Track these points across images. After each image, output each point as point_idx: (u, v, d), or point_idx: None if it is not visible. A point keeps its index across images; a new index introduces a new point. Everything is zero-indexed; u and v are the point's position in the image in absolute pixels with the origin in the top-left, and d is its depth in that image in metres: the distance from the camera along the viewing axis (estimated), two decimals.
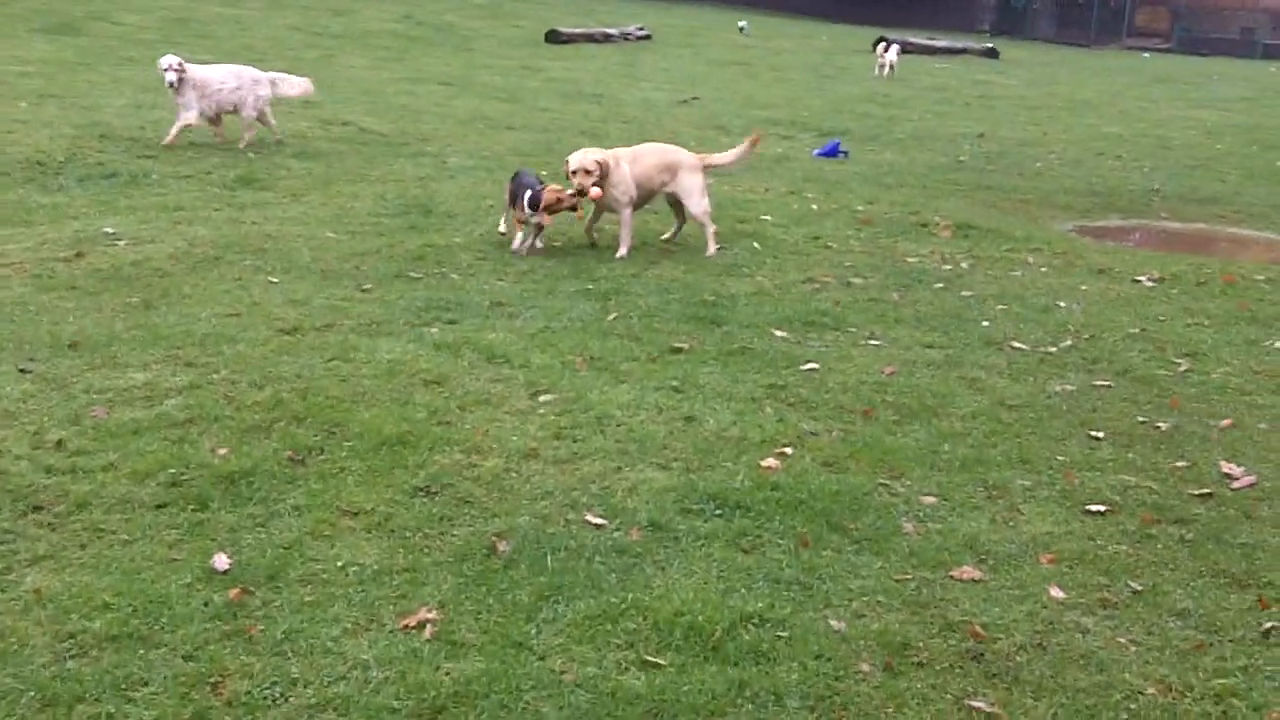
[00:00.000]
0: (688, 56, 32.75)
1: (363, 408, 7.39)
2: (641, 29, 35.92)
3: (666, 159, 12.24)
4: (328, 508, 6.23)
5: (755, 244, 12.41)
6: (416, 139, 17.62)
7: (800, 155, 19.10)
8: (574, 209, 11.45)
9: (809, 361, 8.82)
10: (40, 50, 22.55)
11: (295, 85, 16.62)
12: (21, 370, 7.73)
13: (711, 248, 12.23)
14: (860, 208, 14.63)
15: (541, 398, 7.72)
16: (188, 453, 6.71)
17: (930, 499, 6.76)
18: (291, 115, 18.31)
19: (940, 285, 11.34)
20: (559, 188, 11.33)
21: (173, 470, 6.52)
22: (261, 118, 16.25)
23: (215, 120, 16.00)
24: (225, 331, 8.68)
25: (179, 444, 6.82)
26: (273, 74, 16.29)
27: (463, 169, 15.65)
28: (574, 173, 11.47)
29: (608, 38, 34.09)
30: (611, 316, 9.62)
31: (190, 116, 15.64)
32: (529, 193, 11.17)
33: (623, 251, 11.80)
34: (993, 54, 39.53)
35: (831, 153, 19.14)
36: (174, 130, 15.82)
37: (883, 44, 32.94)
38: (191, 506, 6.20)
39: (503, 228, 11.79)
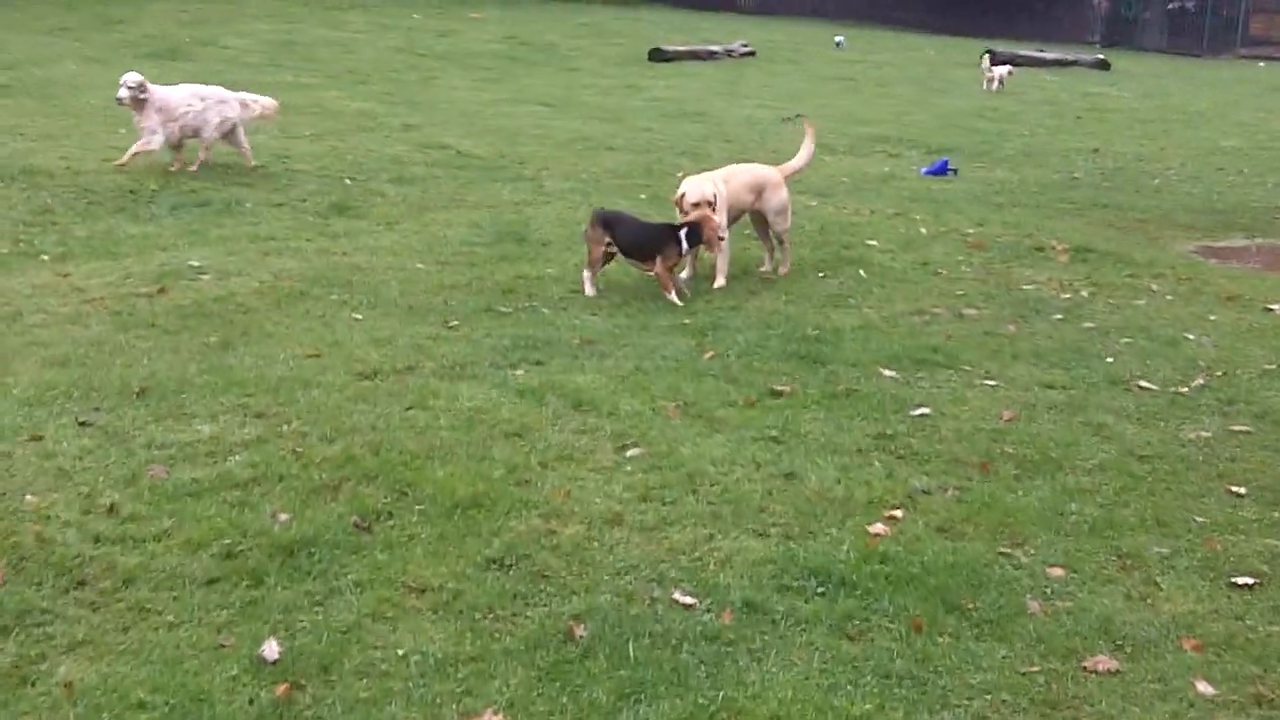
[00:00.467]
0: (791, 73, 32.01)
1: (437, 464, 6.75)
2: (745, 45, 35.21)
3: (756, 177, 11.63)
4: (392, 584, 5.62)
5: (861, 271, 11.68)
6: (514, 162, 17.05)
7: (907, 174, 18.34)
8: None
9: (920, 405, 8.08)
10: (145, 75, 22.15)
11: (261, 106, 15.40)
12: (82, 423, 7.19)
13: (786, 266, 11.70)
14: (971, 230, 13.85)
15: (629, 452, 7.05)
16: (247, 519, 6.11)
17: (1057, 571, 6.03)
18: (389, 139, 17.87)
19: (1059, 316, 10.55)
20: (711, 217, 10.68)
21: (229, 539, 5.93)
22: (233, 140, 15.15)
23: (177, 146, 14.89)
24: (302, 375, 8.09)
25: (239, 508, 6.24)
26: (243, 94, 15.22)
27: (559, 193, 15.05)
28: (695, 205, 10.77)
29: (711, 55, 33.41)
30: (708, 355, 8.95)
31: (154, 141, 14.54)
32: (685, 229, 10.46)
33: (720, 281, 11.14)
34: (1104, 65, 38.41)
35: (940, 171, 18.35)
36: (129, 152, 14.67)
37: (989, 57, 31.96)
38: (245, 582, 5.60)
39: (590, 289, 10.69)
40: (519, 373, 8.41)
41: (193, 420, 7.34)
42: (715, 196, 10.83)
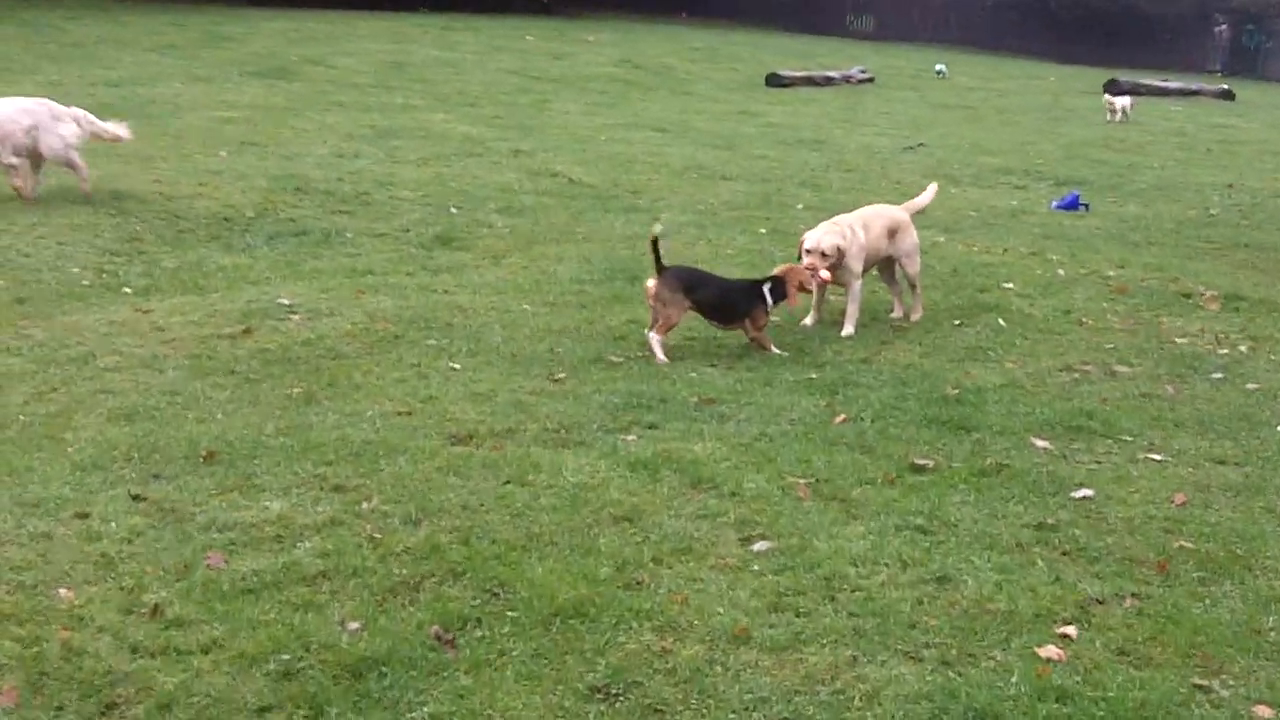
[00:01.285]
0: (911, 100, 30.79)
1: (535, 558, 5.73)
2: (863, 71, 34.05)
3: (892, 220, 10.69)
4: (476, 718, 4.52)
5: (1000, 320, 10.55)
6: (627, 191, 16.04)
7: (1037, 208, 17.14)
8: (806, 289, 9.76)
9: (1081, 486, 6.97)
10: (250, 95, 21.50)
11: (108, 130, 13.52)
12: (135, 497, 6.23)
13: (919, 311, 10.73)
14: (1112, 273, 12.66)
15: (756, 545, 6.00)
16: (311, 626, 5.11)
17: (1265, 711, 4.88)
18: (498, 166, 16.91)
19: (1219, 375, 9.37)
20: (799, 268, 9.79)
21: (288, 653, 4.95)
22: (69, 162, 13.21)
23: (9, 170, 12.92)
24: (389, 439, 7.12)
25: (303, 611, 5.26)
26: (75, 110, 13.21)
27: (675, 226, 13.97)
28: (809, 251, 9.84)
29: (829, 81, 32.29)
30: (839, 419, 7.87)
31: None
32: (769, 284, 9.52)
33: (849, 329, 10.06)
34: (1228, 95, 36.80)
35: (1071, 205, 17.15)
36: None
37: (1113, 87, 30.56)
38: (302, 712, 4.56)
39: (662, 355, 9.34)
40: (630, 438, 7.38)
41: (261, 494, 6.38)
42: (837, 249, 9.92)
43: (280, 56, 26.94)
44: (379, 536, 5.93)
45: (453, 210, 14.25)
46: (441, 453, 7.01)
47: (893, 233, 10.43)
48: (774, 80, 31.37)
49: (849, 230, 10.00)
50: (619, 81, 29.38)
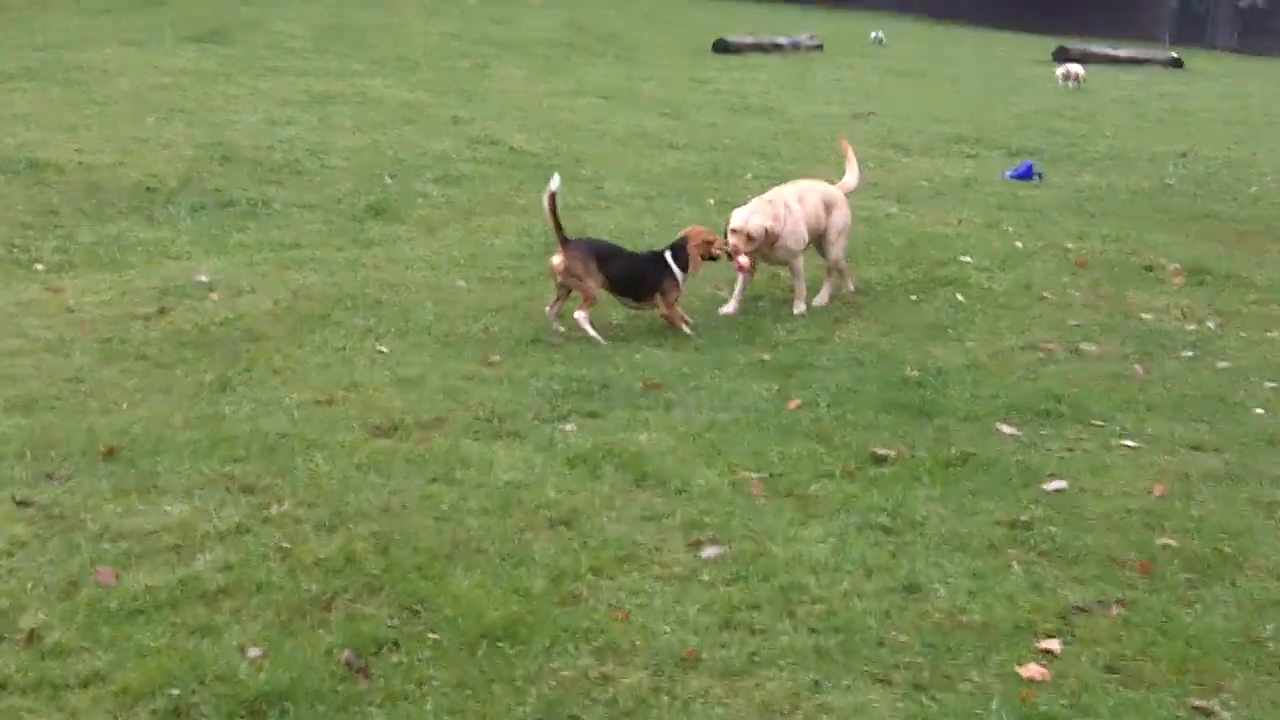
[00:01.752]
0: (861, 67, 30.11)
1: (461, 569, 5.15)
2: (813, 38, 33.35)
3: (827, 193, 9.99)
4: None
5: (959, 295, 10.00)
6: (570, 160, 15.35)
7: (989, 177, 16.58)
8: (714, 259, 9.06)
9: (1053, 477, 6.46)
10: (183, 60, 20.65)
11: None
12: (20, 503, 5.59)
13: (824, 298, 9.98)
14: (1071, 245, 12.14)
15: (706, 551, 5.44)
16: (207, 654, 4.52)
17: None
18: (436, 133, 16.20)
19: (1189, 353, 8.87)
20: (704, 230, 9.08)
21: (179, 688, 4.35)
22: None
23: None
24: (306, 432, 6.51)
25: (199, 636, 4.66)
26: None
27: (619, 197, 13.38)
28: (734, 231, 9.16)
29: (777, 47, 31.56)
30: (793, 404, 7.33)
31: None
32: (670, 252, 8.82)
33: (801, 307, 9.48)
34: (1177, 64, 36.35)
35: (1025, 175, 16.60)
36: None
37: (1061, 55, 30.07)
38: None
39: (593, 334, 8.74)
40: (569, 428, 6.80)
41: (162, 497, 5.77)
42: (765, 232, 9.22)
43: (217, 20, 26.01)
44: (289, 546, 5.33)
45: (387, 180, 13.59)
46: (363, 447, 6.40)
47: (829, 208, 9.76)
48: (722, 46, 30.67)
49: (783, 207, 9.34)
50: (562, 46, 28.59)
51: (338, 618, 4.81)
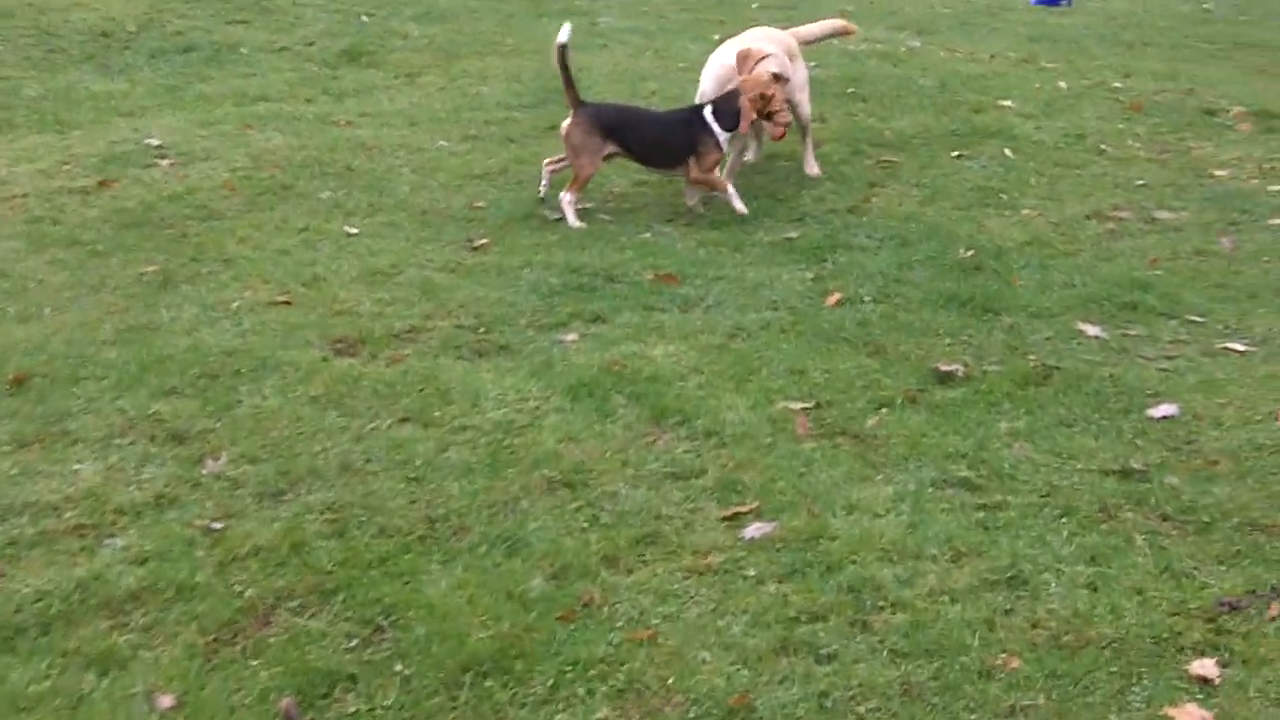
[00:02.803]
0: None
1: (437, 560, 3.93)
2: None
3: (788, 44, 8.18)
4: None
5: (1007, 150, 8.71)
6: None
7: (1017, 4, 15.12)
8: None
9: (1158, 398, 5.21)
10: None
11: None
12: None
13: (813, 168, 8.35)
14: (1119, 84, 10.77)
15: (748, 530, 4.20)
16: (101, 706, 3.21)
17: None
18: None
19: (1278, 221, 7.48)
20: (762, 80, 7.35)
21: None
22: None
23: None
24: (256, 348, 5.31)
25: (96, 672, 3.43)
26: None
27: (616, 34, 11.99)
28: (776, 78, 7.51)
29: None
30: (832, 299, 6.08)
31: None
32: (712, 113, 7.27)
33: (815, 169, 8.04)
34: None
35: (1053, 0, 15.03)
36: None
37: None
38: None
39: (573, 221, 7.37)
40: (570, 339, 5.57)
41: (72, 449, 4.55)
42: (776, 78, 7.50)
43: None
44: (219, 527, 4.04)
45: (364, 18, 12.19)
46: (321, 371, 5.16)
47: (792, 58, 8.16)
48: None
49: (779, 52, 7.82)
50: None
51: (278, 639, 3.59)
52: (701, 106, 7.23)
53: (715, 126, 7.12)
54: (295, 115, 9.10)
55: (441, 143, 8.52)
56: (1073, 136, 9.22)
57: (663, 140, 7.23)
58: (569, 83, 7.04)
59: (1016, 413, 5.10)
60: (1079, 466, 4.71)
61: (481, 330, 5.67)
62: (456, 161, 8.13)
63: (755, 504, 4.30)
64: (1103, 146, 9.02)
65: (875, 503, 4.36)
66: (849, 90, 9.72)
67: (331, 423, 4.79)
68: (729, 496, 4.37)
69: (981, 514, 4.33)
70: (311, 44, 11.21)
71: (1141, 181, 8.28)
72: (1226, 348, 5.88)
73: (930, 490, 4.46)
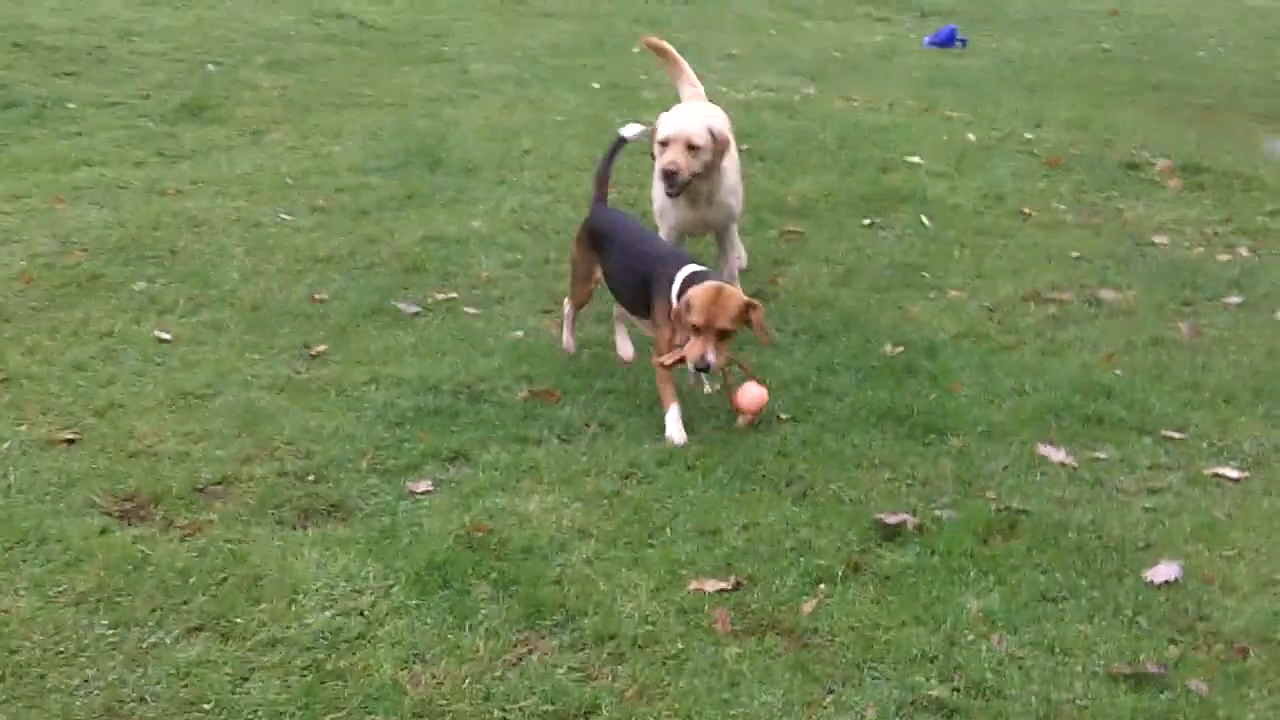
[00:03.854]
0: None
1: None
2: None
3: (724, 117, 6.25)
4: None
5: (923, 218, 7.60)
6: (430, 35, 12.64)
7: (909, 46, 14.13)
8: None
9: (1153, 554, 4.12)
10: None
11: None
12: None
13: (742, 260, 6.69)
14: (1029, 135, 9.71)
15: None
16: None
17: None
18: (274, 4, 13.25)
19: (1236, 300, 6.64)
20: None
21: None
22: None
23: None
24: (18, 514, 4.09)
25: None
26: None
27: (489, 81, 10.73)
28: (663, 143, 5.88)
29: None
30: (745, 419, 4.86)
31: None
32: (682, 275, 4.98)
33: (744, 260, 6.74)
34: None
35: (947, 41, 14.22)
36: None
37: None
38: None
39: (566, 341, 5.76)
40: (422, 489, 4.24)
41: None
42: (714, 137, 5.83)
43: None
44: None
45: (210, 68, 10.80)
46: (98, 553, 3.91)
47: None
48: None
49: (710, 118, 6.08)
50: None
51: None
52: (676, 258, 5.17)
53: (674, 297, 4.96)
54: (118, 183, 7.78)
55: (284, 216, 7.24)
56: (991, 198, 8.14)
57: (628, 274, 5.31)
58: (601, 182, 5.66)
59: (985, 582, 3.93)
60: (1078, 670, 3.55)
61: (310, 479, 4.38)
62: (299, 240, 6.86)
63: None
64: (1025, 210, 7.95)
65: None
66: (744, 147, 8.53)
67: (99, 636, 3.48)
68: None
69: None
70: (148, 97, 9.86)
71: (1076, 254, 7.23)
72: (1217, 474, 4.77)
73: None
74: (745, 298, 4.76)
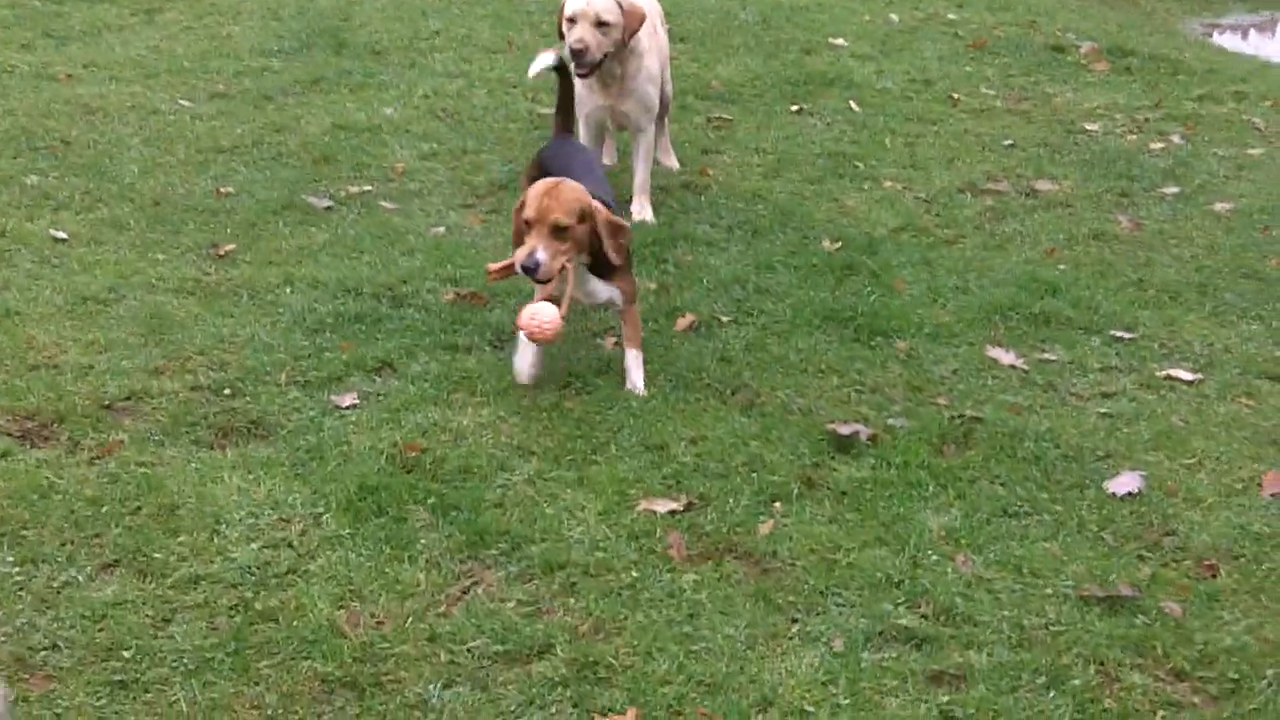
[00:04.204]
0: None
1: None
2: None
3: (654, 6, 6.11)
4: None
5: (851, 103, 7.30)
6: None
7: None
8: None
9: (1113, 464, 3.96)
10: None
11: None
12: None
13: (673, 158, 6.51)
14: (953, 15, 9.45)
15: None
16: None
17: None
18: None
19: (1173, 190, 6.48)
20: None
21: None
22: None
23: None
24: None
25: None
26: None
27: None
28: (570, 20, 5.49)
29: None
30: (685, 321, 4.63)
31: None
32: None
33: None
34: None
35: None
36: None
37: None
38: None
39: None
40: (347, 403, 3.96)
41: None
42: (621, 13, 5.46)
43: None
44: None
45: None
46: None
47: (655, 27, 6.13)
48: None
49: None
50: None
51: None
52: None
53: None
54: (4, 67, 7.36)
55: (182, 102, 6.86)
56: (919, 83, 7.93)
57: None
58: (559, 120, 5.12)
59: (945, 497, 3.76)
60: (1049, 592, 3.38)
61: (226, 393, 4.09)
62: (200, 129, 6.50)
63: (630, 713, 2.80)
64: (954, 94, 7.75)
65: (797, 688, 2.91)
66: (665, 27, 8.21)
67: (4, 575, 3.21)
68: (591, 695, 2.89)
69: (944, 697, 2.94)
70: None
71: (1009, 141, 7.05)
72: (1170, 376, 4.60)
73: (866, 656, 3.04)
74: (593, 201, 4.31)
